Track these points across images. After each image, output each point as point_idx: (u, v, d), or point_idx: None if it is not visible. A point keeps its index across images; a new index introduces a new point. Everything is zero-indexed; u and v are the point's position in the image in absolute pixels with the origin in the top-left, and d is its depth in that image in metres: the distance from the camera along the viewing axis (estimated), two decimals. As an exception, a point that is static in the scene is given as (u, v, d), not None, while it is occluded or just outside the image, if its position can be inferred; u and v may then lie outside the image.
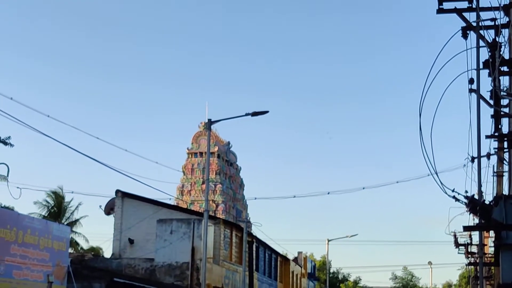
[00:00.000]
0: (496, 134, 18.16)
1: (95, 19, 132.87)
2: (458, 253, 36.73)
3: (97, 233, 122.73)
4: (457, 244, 35.98)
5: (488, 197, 21.48)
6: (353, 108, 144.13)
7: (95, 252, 50.07)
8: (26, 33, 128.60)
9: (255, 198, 78.69)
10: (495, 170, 24.52)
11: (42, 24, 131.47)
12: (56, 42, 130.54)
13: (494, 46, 15.30)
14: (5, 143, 29.76)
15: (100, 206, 36.57)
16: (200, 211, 44.77)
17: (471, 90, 17.14)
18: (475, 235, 29.54)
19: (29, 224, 21.76)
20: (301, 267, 58.29)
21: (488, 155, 21.39)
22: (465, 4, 17.47)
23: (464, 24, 17.37)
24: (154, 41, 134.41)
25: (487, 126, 18.47)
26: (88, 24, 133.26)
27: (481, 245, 19.75)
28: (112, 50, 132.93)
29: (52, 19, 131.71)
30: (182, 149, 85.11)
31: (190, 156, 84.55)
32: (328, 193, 39.57)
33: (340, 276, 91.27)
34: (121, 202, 34.99)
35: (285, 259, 52.38)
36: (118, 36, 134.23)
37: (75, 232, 52.52)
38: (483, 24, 16.77)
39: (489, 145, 20.74)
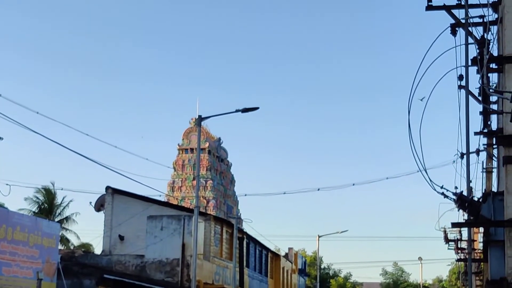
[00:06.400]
0: (485, 130, 18.25)
1: (86, 16, 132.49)
2: (448, 248, 36.93)
3: (87, 229, 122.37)
4: (447, 240, 36.13)
5: (478, 193, 21.59)
6: (343, 105, 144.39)
7: (86, 248, 49.97)
8: (14, 30, 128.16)
9: (246, 195, 78.74)
10: (484, 166, 24.65)
11: (31, 20, 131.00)
12: (46, 38, 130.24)
13: (482, 43, 15.35)
14: (-6, 136, 29.62)
15: (90, 203, 36.49)
16: (190, 207, 44.76)
17: (460, 87, 17.20)
18: (465, 231, 29.64)
19: (19, 221, 21.69)
20: (292, 263, 58.32)
21: (478, 152, 21.51)
22: (454, 1, 17.54)
23: (453, 21, 17.43)
24: (144, 39, 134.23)
25: (477, 123, 18.58)
26: (79, 21, 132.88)
27: (470, 241, 19.85)
28: (102, 47, 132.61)
29: (41, 16, 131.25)
30: (173, 145, 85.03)
31: (180, 152, 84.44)
32: (318, 189, 39.81)
33: (330, 272, 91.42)
34: (111, 199, 34.90)
35: (275, 255, 52.41)
36: (108, 34, 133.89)
37: (66, 229, 52.46)
38: (472, 21, 16.84)
39: (478, 142, 20.85)
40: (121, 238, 34.16)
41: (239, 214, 75.13)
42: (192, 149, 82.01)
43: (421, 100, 15.27)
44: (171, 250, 31.18)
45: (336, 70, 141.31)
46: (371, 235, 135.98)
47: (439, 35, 16.30)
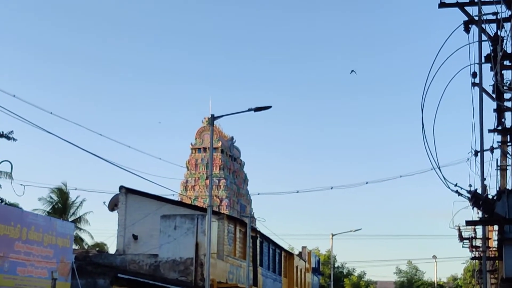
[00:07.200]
0: (499, 128, 18.14)
1: (99, 16, 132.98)
2: (463, 247, 36.76)
3: (101, 229, 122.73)
4: (461, 238, 35.97)
5: (493, 191, 21.46)
6: (356, 103, 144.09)
7: (100, 248, 50.17)
8: (27, 31, 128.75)
9: (259, 194, 78.67)
10: (498, 163, 24.50)
11: (44, 22, 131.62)
12: (60, 39, 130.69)
13: (496, 40, 15.28)
14: (8, 138, 29.82)
15: (104, 202, 36.64)
16: (204, 206, 44.79)
17: (474, 84, 17.11)
18: (480, 229, 29.51)
19: (33, 220, 21.75)
20: (306, 262, 58.28)
21: (492, 149, 21.36)
22: (467, -2, 17.44)
23: (466, 18, 17.34)
24: (157, 38, 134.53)
25: (491, 120, 18.47)
26: (92, 22, 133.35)
27: (484, 240, 19.75)
28: (115, 47, 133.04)
29: (55, 16, 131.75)
30: (186, 144, 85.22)
31: (193, 151, 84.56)
32: (332, 188, 39.69)
33: (344, 271, 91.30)
34: (124, 198, 35.01)
35: (289, 254, 52.38)
36: (122, 34, 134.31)
37: (80, 229, 52.62)
38: (485, 18, 16.75)
39: (492, 139, 20.72)
40: (135, 237, 34.25)
41: (252, 213, 75.13)
42: (205, 148, 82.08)
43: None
44: (184, 249, 31.24)
45: (348, 68, 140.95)
46: (385, 234, 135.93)
47: (452, 32, 16.22)
